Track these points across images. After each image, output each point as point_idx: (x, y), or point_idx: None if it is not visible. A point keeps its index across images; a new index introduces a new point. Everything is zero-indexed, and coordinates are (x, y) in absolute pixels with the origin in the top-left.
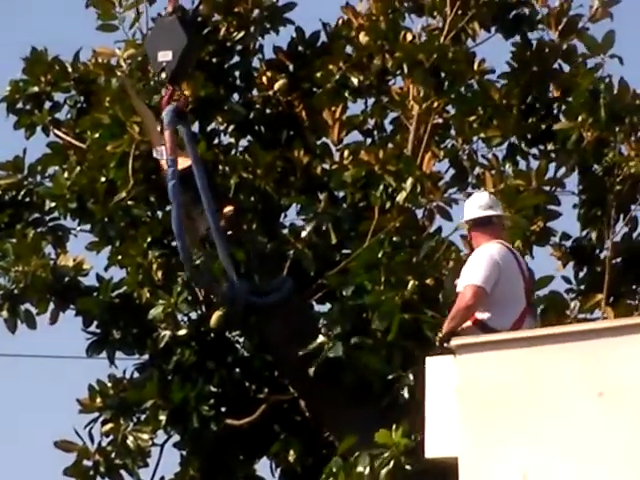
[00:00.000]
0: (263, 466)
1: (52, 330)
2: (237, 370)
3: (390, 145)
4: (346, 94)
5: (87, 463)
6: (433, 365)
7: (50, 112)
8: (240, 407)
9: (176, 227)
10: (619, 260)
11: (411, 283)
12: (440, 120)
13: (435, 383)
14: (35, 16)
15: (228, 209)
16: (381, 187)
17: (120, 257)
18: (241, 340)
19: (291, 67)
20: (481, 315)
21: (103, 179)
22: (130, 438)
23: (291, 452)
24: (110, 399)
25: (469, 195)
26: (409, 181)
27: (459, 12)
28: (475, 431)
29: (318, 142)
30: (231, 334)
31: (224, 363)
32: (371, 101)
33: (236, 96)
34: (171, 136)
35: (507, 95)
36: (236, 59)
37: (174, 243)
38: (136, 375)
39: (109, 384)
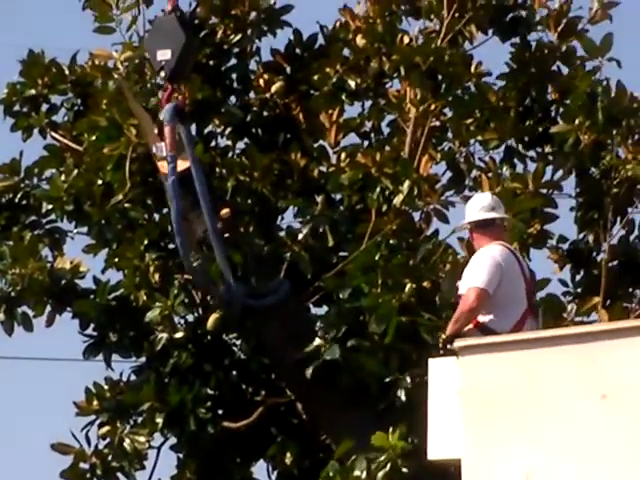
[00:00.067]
0: (260, 469)
1: (49, 333)
2: (234, 373)
3: (387, 148)
4: (343, 97)
5: (84, 466)
6: (436, 367)
7: (47, 115)
8: (237, 410)
9: (176, 224)
10: (616, 263)
11: (408, 286)
12: (437, 123)
13: (438, 385)
14: (32, 19)
15: (225, 211)
16: (378, 190)
17: (117, 260)
18: (238, 343)
19: (288, 69)
20: (482, 318)
21: (100, 182)
22: (127, 441)
23: (288, 455)
24: (107, 402)
25: (466, 198)
26: (406, 184)
27: (456, 15)
28: (478, 432)
29: (315, 145)
30: (228, 337)
31: (221, 366)
32: (368, 104)
33: (233, 99)
34: (171, 132)
35: (504, 98)
36: (233, 62)
37: (171, 246)
38: (133, 378)
39: (106, 387)
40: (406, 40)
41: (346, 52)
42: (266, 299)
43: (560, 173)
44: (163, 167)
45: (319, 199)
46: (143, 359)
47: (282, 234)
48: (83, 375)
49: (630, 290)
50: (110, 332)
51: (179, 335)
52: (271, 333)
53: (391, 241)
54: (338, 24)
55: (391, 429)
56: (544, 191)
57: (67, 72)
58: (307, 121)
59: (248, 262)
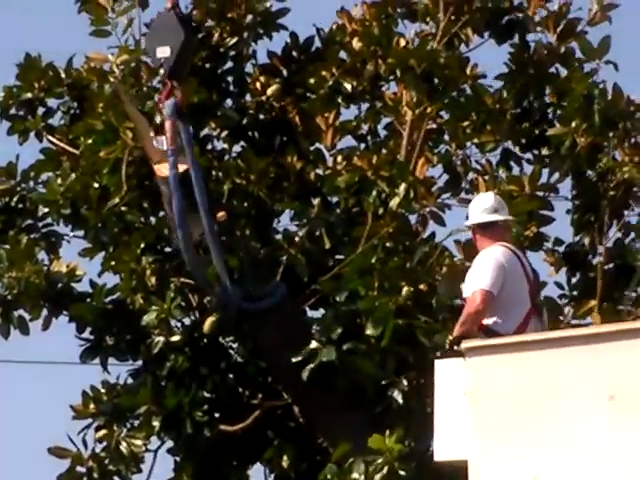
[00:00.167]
0: (257, 472)
1: (45, 336)
2: (231, 376)
3: (383, 150)
4: (339, 99)
5: (81, 469)
6: (442, 368)
7: (43, 118)
8: (234, 413)
9: (178, 217)
10: (612, 266)
11: (405, 289)
12: (433, 125)
13: (444, 386)
14: (28, 22)
15: (221, 214)
16: (374, 192)
17: (113, 263)
18: (234, 346)
19: (285, 72)
20: (486, 320)
21: (96, 185)
22: (124, 444)
23: (285, 458)
24: (103, 405)
25: (462, 200)
26: (402, 186)
27: (452, 18)
28: (484, 434)
29: (311, 147)
30: (224, 340)
31: (217, 369)
32: (364, 107)
33: (229, 102)
34: (172, 127)
35: (500, 100)
36: (229, 65)
37: (167, 249)
38: (129, 381)
39: (102, 390)
40: (402, 43)
41: (342, 55)
42: (262, 302)
43: (556, 176)
44: (159, 170)
45: (315, 202)
46: (140, 362)
47: (278, 237)
48: (80, 379)
49: (626, 293)
50: (107, 335)
51: (176, 338)
52: (267, 336)
53: (387, 244)
54: (335, 27)
55: (388, 432)
56: (540, 194)
57: (63, 75)
58: (303, 124)
59: (244, 265)
